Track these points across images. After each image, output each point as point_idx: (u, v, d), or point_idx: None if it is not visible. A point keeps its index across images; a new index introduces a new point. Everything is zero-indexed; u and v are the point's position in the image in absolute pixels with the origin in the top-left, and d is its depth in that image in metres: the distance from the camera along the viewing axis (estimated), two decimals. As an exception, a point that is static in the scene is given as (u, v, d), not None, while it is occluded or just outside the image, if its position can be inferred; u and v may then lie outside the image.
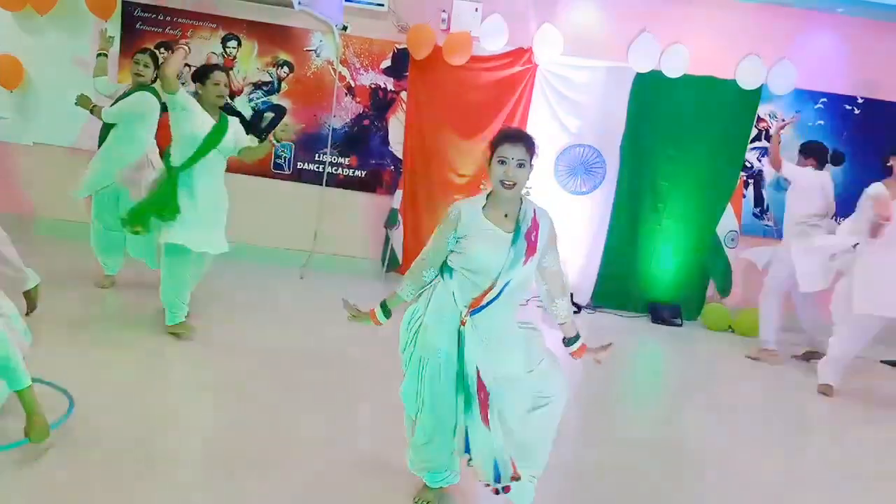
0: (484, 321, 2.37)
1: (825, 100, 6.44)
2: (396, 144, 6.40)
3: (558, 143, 6.41)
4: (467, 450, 2.44)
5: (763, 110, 6.42)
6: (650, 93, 6.30)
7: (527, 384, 2.45)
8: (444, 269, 2.47)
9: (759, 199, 6.57)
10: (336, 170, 6.45)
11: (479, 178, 6.37)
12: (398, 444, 2.88)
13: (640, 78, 6.28)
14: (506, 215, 2.40)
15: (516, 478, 2.40)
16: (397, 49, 6.29)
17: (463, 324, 2.35)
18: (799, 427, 4.41)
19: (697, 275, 6.56)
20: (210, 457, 2.98)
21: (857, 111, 6.44)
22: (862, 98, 6.43)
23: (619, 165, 6.41)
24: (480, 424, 2.35)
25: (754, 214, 6.58)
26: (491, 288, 2.35)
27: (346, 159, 6.44)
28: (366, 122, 6.39)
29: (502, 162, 2.34)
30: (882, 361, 5.91)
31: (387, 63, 6.33)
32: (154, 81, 4.84)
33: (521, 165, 2.34)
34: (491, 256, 2.34)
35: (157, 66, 4.79)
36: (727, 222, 6.45)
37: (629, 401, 4.52)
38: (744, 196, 6.50)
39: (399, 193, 6.35)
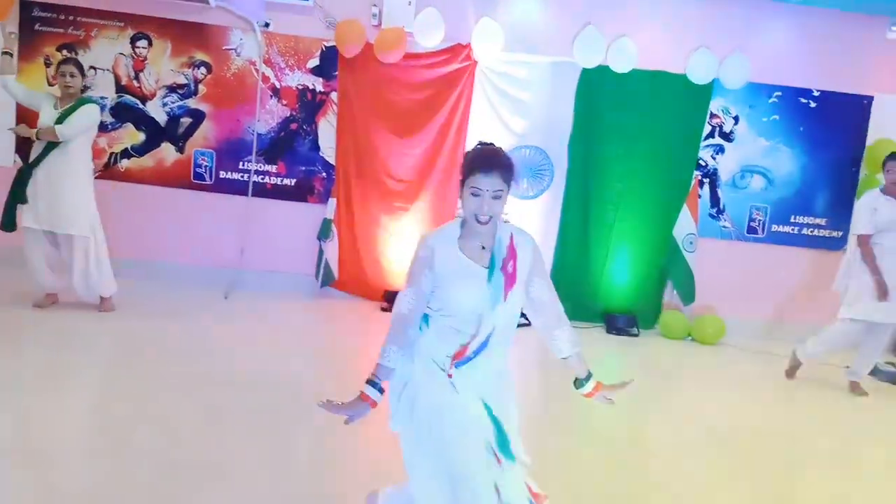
0: (471, 373, 2.05)
1: (780, 93, 6.15)
2: (328, 149, 5.92)
3: (502, 145, 5.94)
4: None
5: (716, 105, 6.10)
6: (597, 89, 5.94)
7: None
8: (422, 319, 2.12)
9: (715, 200, 6.24)
10: (262, 178, 5.94)
11: (419, 183, 5.93)
12: (336, 469, 2.76)
13: (586, 74, 5.91)
14: (483, 247, 2.07)
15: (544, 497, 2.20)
16: (325, 47, 5.82)
17: (450, 376, 2.03)
18: (764, 434, 4.05)
19: (654, 281, 6.21)
20: (127, 494, 2.62)
21: (812, 104, 6.16)
22: (818, 90, 6.14)
23: (567, 167, 6.03)
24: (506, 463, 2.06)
25: (711, 215, 6.25)
26: (475, 336, 2.02)
27: (273, 167, 5.93)
28: (293, 125, 5.90)
29: (475, 194, 1.99)
30: (846, 367, 5.61)
31: (314, 62, 5.86)
32: (84, 91, 4.94)
33: (497, 197, 1.99)
34: (474, 298, 2.02)
35: (83, 74, 4.74)
36: (684, 225, 6.10)
37: (585, 417, 4.14)
38: (699, 196, 6.16)
39: (332, 202, 5.87)
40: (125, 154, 5.83)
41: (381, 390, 2.05)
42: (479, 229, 2.03)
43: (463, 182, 2.03)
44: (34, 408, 3.28)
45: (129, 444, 3.05)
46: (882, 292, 4.70)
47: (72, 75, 4.57)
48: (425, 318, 2.10)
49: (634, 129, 5.98)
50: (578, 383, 2.25)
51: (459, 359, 2.03)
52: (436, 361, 2.05)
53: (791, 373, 5.09)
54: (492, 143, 2.10)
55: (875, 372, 5.43)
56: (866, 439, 4.25)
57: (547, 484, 3.13)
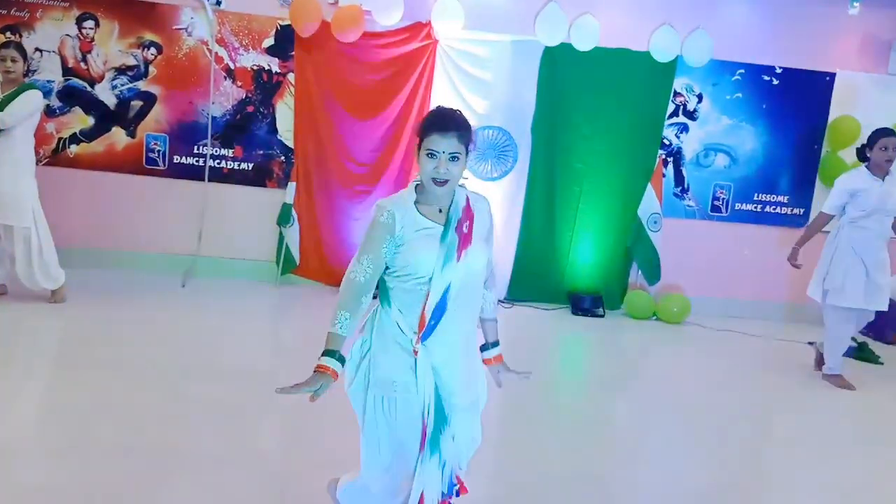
0: (440, 345, 2.00)
1: (743, 71, 6.11)
2: (286, 132, 5.76)
3: (464, 126, 5.87)
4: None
5: (679, 83, 6.05)
6: (560, 68, 5.85)
7: (474, 424, 2.21)
8: (382, 294, 2.07)
9: (679, 178, 6.21)
10: (219, 163, 5.77)
11: (381, 166, 5.81)
12: (301, 457, 2.76)
13: (548, 52, 5.82)
14: (440, 211, 2.04)
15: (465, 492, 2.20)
16: (280, 26, 5.64)
17: (415, 353, 1.99)
18: (736, 414, 4.05)
19: (619, 261, 6.17)
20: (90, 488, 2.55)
21: (775, 81, 6.14)
22: (780, 68, 6.12)
23: (530, 148, 5.95)
24: (426, 459, 2.04)
25: (675, 194, 6.22)
26: (428, 296, 1.97)
27: (230, 151, 5.77)
28: (250, 108, 5.73)
29: (431, 155, 1.95)
30: (809, 343, 5.65)
31: (269, 42, 5.68)
32: (26, 75, 4.65)
33: (454, 159, 1.96)
34: (430, 257, 1.98)
35: (25, 59, 4.55)
36: (649, 204, 6.06)
37: (550, 399, 4.12)
38: (663, 175, 6.13)
39: (292, 186, 5.72)
40: (74, 139, 5.62)
41: (342, 359, 2.00)
42: (436, 192, 1.99)
43: (419, 145, 1.99)
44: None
45: (89, 436, 2.95)
46: (794, 258, 4.67)
47: (13, 60, 4.42)
48: (387, 297, 2.05)
49: (598, 108, 5.91)
50: (484, 347, 2.28)
51: (423, 329, 1.98)
52: (399, 343, 2.01)
53: (845, 384, 4.63)
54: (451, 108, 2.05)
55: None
56: (832, 415, 4.28)
57: (513, 466, 3.14)
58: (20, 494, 2.48)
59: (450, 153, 1.95)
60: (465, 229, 2.02)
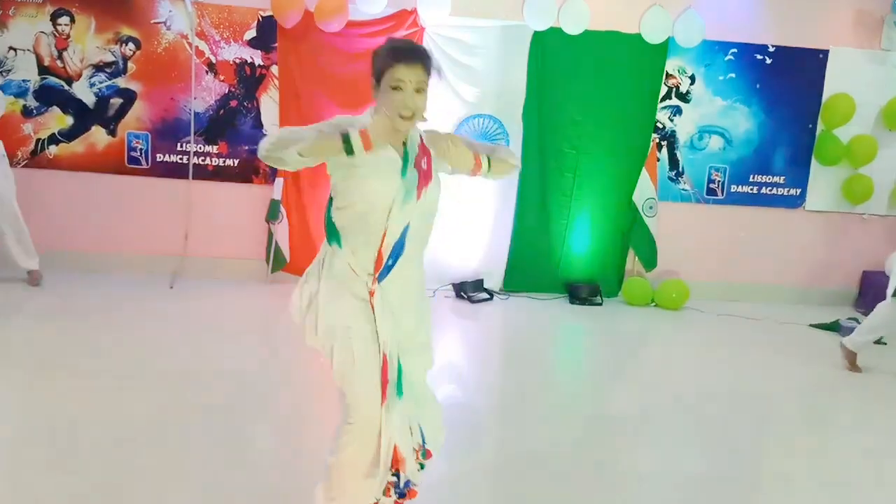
0: (395, 285, 1.94)
1: (735, 50, 6.01)
2: (272, 126, 5.60)
3: (455, 115, 5.76)
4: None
5: (671, 65, 5.94)
6: (550, 53, 5.72)
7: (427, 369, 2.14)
8: (332, 235, 1.97)
9: (673, 162, 6.11)
10: (203, 160, 5.62)
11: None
12: (294, 461, 2.63)
13: (538, 37, 5.69)
14: (392, 146, 1.94)
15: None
16: (262, 17, 5.48)
17: (371, 294, 1.90)
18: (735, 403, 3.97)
19: (616, 249, 6.07)
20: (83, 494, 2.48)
21: (768, 60, 6.04)
22: (773, 46, 6.02)
23: (522, 135, 5.82)
24: (392, 407, 1.97)
25: (670, 178, 6.12)
26: (385, 235, 1.88)
27: (214, 147, 5.61)
28: (233, 102, 5.57)
29: (397, 88, 1.84)
30: (812, 325, 5.59)
31: (251, 34, 5.52)
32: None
33: (419, 90, 1.87)
34: (389, 190, 1.88)
35: None
36: (644, 189, 5.96)
37: (549, 387, 4.07)
38: (658, 159, 6.02)
39: (280, 182, 5.57)
40: (52, 140, 5.45)
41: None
42: (401, 127, 1.87)
43: (379, 79, 1.88)
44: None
45: (78, 442, 2.84)
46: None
47: None
48: (337, 237, 1.95)
49: (590, 92, 5.79)
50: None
51: (379, 269, 1.89)
52: (352, 289, 1.91)
53: (853, 366, 4.54)
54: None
55: (840, 329, 5.41)
56: (835, 399, 4.20)
57: (511, 454, 3.05)
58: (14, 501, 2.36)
59: (416, 83, 1.85)
60: (423, 165, 1.93)
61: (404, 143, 1.95)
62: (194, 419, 3.17)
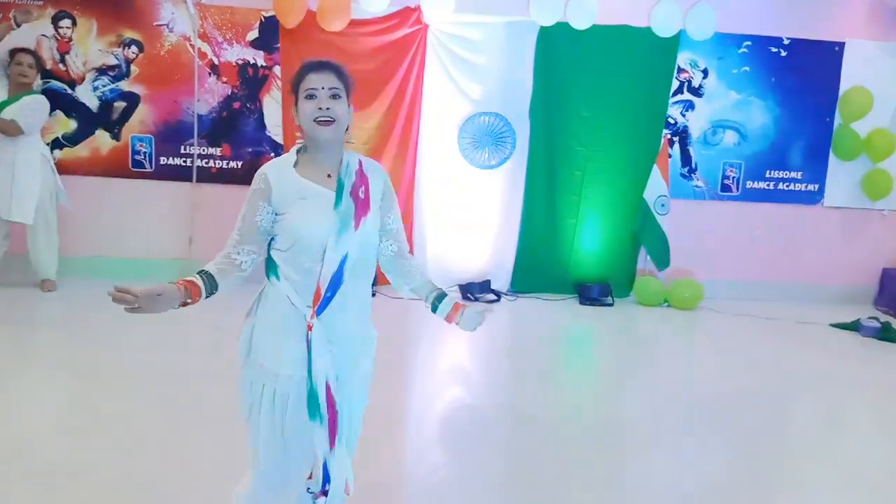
0: (335, 319, 1.84)
1: (749, 43, 5.85)
2: (274, 127, 5.55)
3: (460, 113, 5.67)
4: (326, 481, 1.89)
5: (683, 59, 5.79)
6: (557, 48, 5.60)
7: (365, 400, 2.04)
8: (270, 268, 1.88)
9: (686, 158, 5.96)
10: (207, 162, 5.58)
11: (373, 158, 5.57)
12: None
13: (544, 32, 5.57)
14: (329, 175, 1.86)
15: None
16: (264, 17, 5.43)
17: (310, 328, 1.81)
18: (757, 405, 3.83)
19: (626, 248, 5.94)
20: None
21: (783, 53, 5.87)
22: (788, 38, 5.86)
23: (529, 133, 5.71)
24: (326, 444, 1.86)
25: (682, 175, 5.97)
26: (322, 268, 1.80)
27: (218, 149, 5.57)
28: (236, 104, 5.52)
29: (311, 96, 1.81)
30: (832, 325, 5.42)
31: (254, 34, 5.47)
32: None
33: (335, 96, 1.82)
34: (322, 225, 1.80)
35: (40, 68, 4.94)
36: (655, 186, 5.81)
37: (561, 391, 3.95)
38: (669, 156, 5.88)
39: (283, 184, 5.51)
40: (56, 144, 5.42)
41: (211, 291, 1.84)
42: (322, 136, 1.81)
43: (296, 96, 1.85)
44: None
45: (87, 444, 2.79)
46: None
47: (29, 66, 4.79)
48: (275, 270, 1.85)
49: (598, 88, 5.67)
50: (436, 302, 2.05)
51: (318, 302, 1.80)
52: (289, 323, 1.83)
53: None
54: None
55: (860, 328, 5.24)
56: (853, 400, 4.05)
57: (518, 459, 2.95)
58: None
59: (329, 88, 1.81)
60: (360, 195, 1.85)
61: (339, 173, 1.86)
62: (202, 418, 3.11)
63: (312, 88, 1.81)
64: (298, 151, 1.88)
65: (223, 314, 4.97)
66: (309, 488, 1.94)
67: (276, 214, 1.82)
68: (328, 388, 1.83)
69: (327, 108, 1.79)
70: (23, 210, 4.78)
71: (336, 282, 1.81)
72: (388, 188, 1.98)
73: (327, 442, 1.84)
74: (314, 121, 1.80)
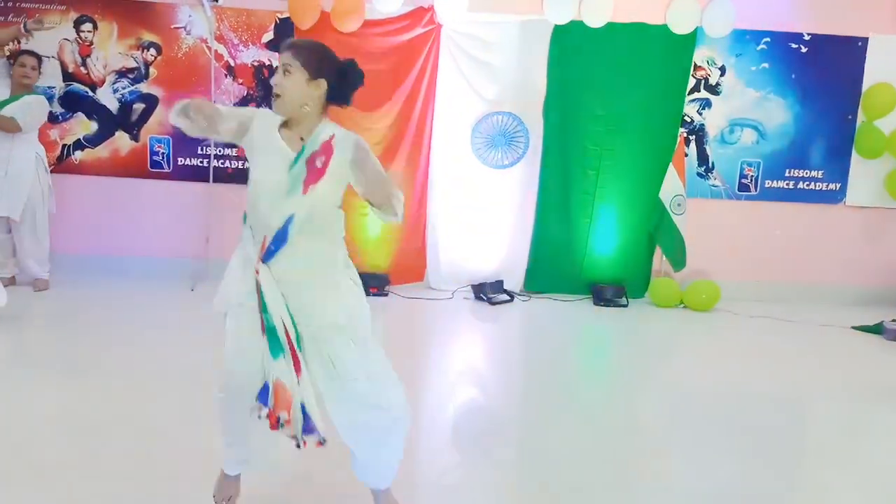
0: (283, 270, 2.01)
1: (768, 39, 5.75)
2: (289, 128, 5.61)
3: (473, 113, 5.66)
4: (264, 400, 2.07)
5: (700, 56, 5.72)
6: (571, 47, 5.57)
7: (353, 347, 2.10)
8: (245, 214, 2.11)
9: (703, 157, 5.88)
10: (223, 163, 5.66)
11: (387, 158, 5.61)
12: (315, 457, 2.38)
13: (558, 31, 5.54)
14: (301, 139, 2.05)
15: (319, 443, 2.08)
16: (279, 19, 5.49)
17: (257, 272, 2.00)
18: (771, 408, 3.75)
19: (642, 248, 5.87)
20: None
21: (804, 49, 5.76)
22: (808, 34, 5.74)
23: (543, 132, 5.68)
24: (292, 375, 2.03)
25: (699, 174, 5.89)
26: (269, 224, 1.99)
27: (234, 150, 5.64)
28: (252, 105, 5.59)
29: (274, 73, 2.15)
30: (854, 328, 5.30)
31: (269, 36, 5.53)
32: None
33: (287, 72, 2.01)
34: (273, 180, 1.99)
35: (41, 71, 5.06)
36: (671, 186, 5.74)
37: (573, 392, 3.90)
38: (686, 155, 5.81)
39: (298, 184, 5.56)
40: (78, 145, 5.55)
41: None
42: (275, 109, 2.03)
43: None
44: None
45: (102, 444, 2.81)
46: None
47: (32, 68, 4.89)
48: (245, 214, 2.10)
49: (613, 87, 5.61)
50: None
51: (263, 251, 1.99)
52: (250, 260, 2.04)
53: None
54: None
55: (883, 331, 5.12)
56: (875, 405, 3.93)
57: (531, 463, 2.93)
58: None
59: (283, 65, 2.00)
60: (318, 164, 1.99)
61: (303, 139, 2.04)
62: (207, 413, 3.12)
63: (277, 66, 2.07)
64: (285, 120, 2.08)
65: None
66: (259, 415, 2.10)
67: (247, 146, 2.06)
68: (286, 326, 2.00)
69: (276, 85, 2.01)
70: (11, 205, 4.84)
71: (280, 237, 1.97)
72: (358, 151, 2.06)
73: (292, 374, 2.01)
74: (274, 96, 2.03)
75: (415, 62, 5.53)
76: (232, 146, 5.64)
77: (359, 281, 2.19)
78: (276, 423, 2.04)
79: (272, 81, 2.03)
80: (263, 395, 2.05)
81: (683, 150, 5.77)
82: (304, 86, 2.00)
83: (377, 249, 5.71)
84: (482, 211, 5.71)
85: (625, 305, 5.67)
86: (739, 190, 5.92)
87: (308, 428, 2.05)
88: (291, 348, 2.01)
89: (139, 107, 5.54)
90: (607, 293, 5.69)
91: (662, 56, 5.62)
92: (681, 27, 5.59)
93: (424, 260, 5.78)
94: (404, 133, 5.60)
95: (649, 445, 3.22)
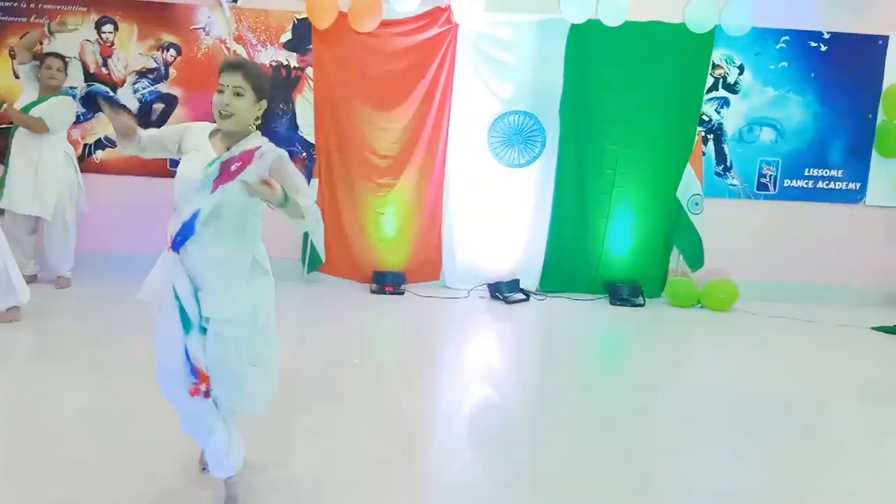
0: (192, 261, 2.22)
1: (787, 38, 5.71)
2: (307, 128, 5.65)
3: (489, 112, 5.67)
4: (194, 375, 2.26)
5: (718, 55, 5.69)
6: (589, 46, 5.56)
7: (243, 331, 2.29)
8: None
9: (721, 156, 5.85)
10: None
11: (403, 158, 5.64)
12: (336, 452, 2.67)
13: (575, 30, 5.54)
14: (228, 148, 2.24)
15: (204, 389, 2.28)
16: (297, 19, 5.53)
17: (169, 258, 2.25)
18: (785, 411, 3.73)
19: (658, 247, 5.84)
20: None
21: (823, 48, 5.72)
22: (828, 32, 5.70)
23: (559, 132, 5.68)
24: (202, 350, 2.25)
25: (717, 173, 5.86)
26: (180, 214, 2.21)
27: (252, 149, 5.68)
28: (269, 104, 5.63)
29: (219, 91, 2.20)
30: (874, 329, 5.24)
31: (287, 36, 5.57)
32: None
33: (238, 94, 2.19)
34: (189, 175, 2.20)
35: (66, 72, 5.09)
36: (688, 185, 5.72)
37: (589, 393, 3.89)
38: (703, 154, 5.78)
39: (315, 183, 5.60)
40: (99, 145, 5.62)
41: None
42: (221, 126, 2.21)
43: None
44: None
45: (123, 439, 2.85)
46: None
47: (58, 69, 4.93)
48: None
49: (630, 86, 5.60)
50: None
51: (172, 240, 2.20)
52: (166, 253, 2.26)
53: None
54: None
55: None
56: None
57: (547, 463, 2.93)
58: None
59: (234, 87, 2.16)
60: (233, 167, 2.14)
61: (228, 149, 2.22)
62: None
63: (221, 85, 2.18)
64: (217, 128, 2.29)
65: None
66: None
67: (181, 153, 2.28)
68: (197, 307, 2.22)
69: (227, 105, 2.16)
70: (42, 205, 4.90)
71: (187, 229, 2.16)
72: (278, 160, 2.23)
73: (202, 349, 2.24)
74: (218, 113, 2.19)
75: (431, 62, 5.55)
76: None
77: (270, 282, 2.38)
78: (207, 395, 2.26)
79: (222, 100, 2.17)
80: (192, 372, 2.25)
81: (701, 149, 5.75)
82: (252, 107, 2.21)
83: (393, 248, 5.73)
84: (498, 210, 5.72)
85: (641, 305, 5.65)
86: (758, 189, 5.88)
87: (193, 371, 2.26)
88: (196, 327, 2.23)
89: (159, 107, 5.60)
90: (623, 292, 5.68)
91: (680, 55, 5.60)
92: (699, 26, 5.56)
93: (440, 259, 5.79)
94: (421, 132, 5.62)
95: (666, 446, 3.21)
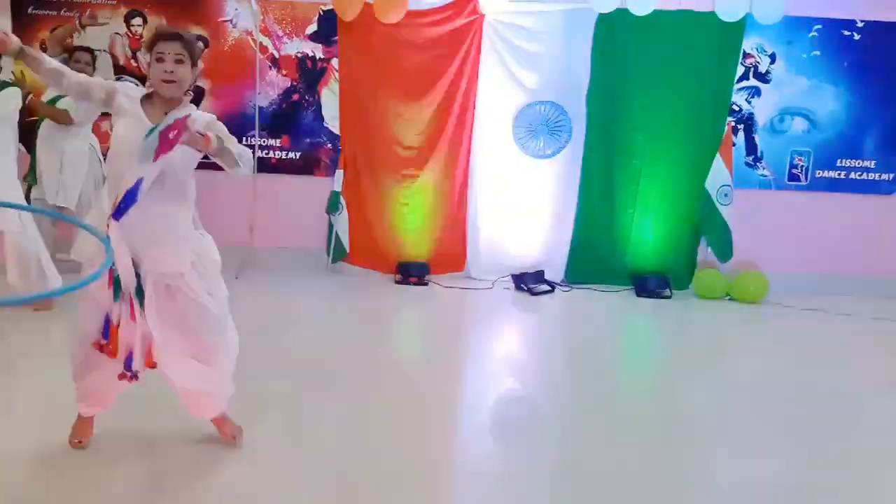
0: (134, 228, 2.28)
1: (820, 26, 5.60)
2: (332, 119, 5.66)
3: (515, 103, 5.64)
4: (105, 334, 2.40)
5: (749, 44, 5.60)
6: (616, 35, 5.50)
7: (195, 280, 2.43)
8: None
9: (751, 147, 5.75)
10: (267, 153, 5.74)
11: (428, 149, 5.63)
12: (361, 445, 2.69)
13: (602, 19, 5.48)
14: (165, 113, 2.32)
15: (151, 366, 2.46)
16: (323, 11, 5.54)
17: (108, 227, 2.26)
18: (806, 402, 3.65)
19: (686, 238, 5.77)
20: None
21: (857, 36, 5.60)
22: (862, 21, 5.58)
23: (586, 122, 5.63)
24: (127, 317, 2.36)
25: (747, 164, 5.77)
26: (121, 184, 2.26)
27: (277, 140, 5.72)
28: (295, 96, 5.66)
29: (159, 59, 2.30)
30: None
31: (313, 28, 5.59)
32: None
33: (179, 61, 2.31)
34: (130, 143, 2.26)
35: (95, 65, 4.99)
36: (718, 176, 5.63)
37: (618, 387, 3.84)
38: (734, 144, 5.69)
39: (340, 174, 5.62)
40: (127, 136, 5.69)
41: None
42: (165, 92, 2.30)
43: (150, 57, 2.32)
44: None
45: (149, 428, 2.84)
46: None
47: (86, 63, 4.81)
48: (105, 178, 2.39)
49: (659, 75, 5.53)
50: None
51: (114, 209, 2.26)
52: (105, 214, 2.31)
53: None
54: None
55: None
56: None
57: (571, 458, 2.89)
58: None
59: (175, 54, 2.28)
60: (170, 136, 2.21)
61: (166, 114, 2.30)
62: (261, 404, 3.10)
63: (160, 53, 2.28)
64: (148, 95, 2.37)
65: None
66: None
67: (114, 113, 2.32)
68: (128, 278, 2.30)
69: (171, 72, 2.27)
70: (66, 195, 4.92)
71: (130, 197, 2.23)
72: (211, 123, 2.39)
73: (128, 317, 2.35)
74: (161, 80, 2.28)
75: (457, 52, 5.53)
76: (276, 136, 5.71)
77: (206, 235, 2.60)
78: (113, 353, 2.37)
79: (166, 68, 2.26)
80: (105, 330, 2.38)
81: (731, 139, 5.66)
82: (190, 72, 2.33)
83: (418, 239, 5.72)
84: (523, 201, 5.68)
85: (668, 297, 5.58)
86: (789, 180, 5.78)
87: (128, 365, 2.40)
88: (130, 298, 2.33)
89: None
90: (650, 284, 5.61)
91: (710, 44, 5.51)
92: (730, 14, 5.46)
93: (465, 249, 5.77)
94: (446, 122, 5.61)
95: (695, 439, 3.16)
